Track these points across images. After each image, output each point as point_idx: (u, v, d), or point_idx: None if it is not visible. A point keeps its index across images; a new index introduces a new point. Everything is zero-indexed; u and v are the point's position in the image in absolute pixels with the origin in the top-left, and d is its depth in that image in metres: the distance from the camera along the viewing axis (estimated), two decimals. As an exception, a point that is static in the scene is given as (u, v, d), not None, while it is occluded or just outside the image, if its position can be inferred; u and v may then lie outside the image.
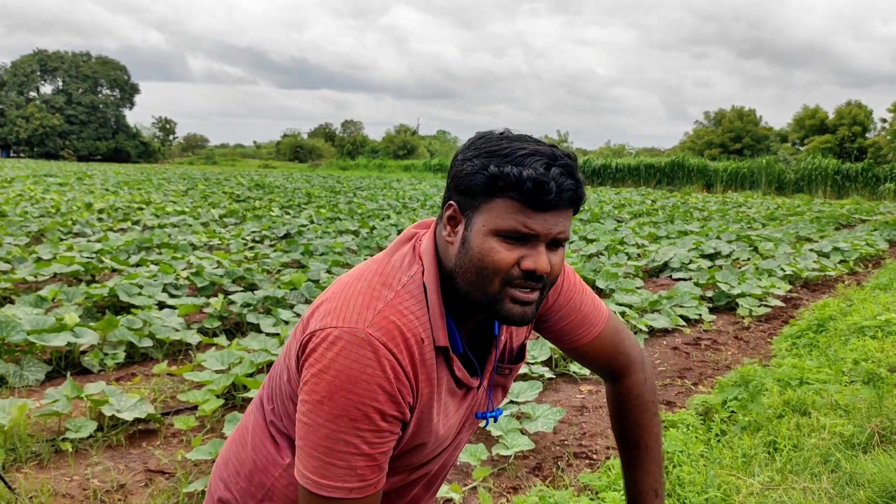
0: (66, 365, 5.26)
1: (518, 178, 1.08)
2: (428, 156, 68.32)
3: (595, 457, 4.12)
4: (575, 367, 5.60)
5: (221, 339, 5.86)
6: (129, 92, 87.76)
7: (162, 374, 5.06)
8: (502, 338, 1.35)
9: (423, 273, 1.20)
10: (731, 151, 49.93)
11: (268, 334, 6.08)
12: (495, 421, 1.42)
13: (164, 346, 5.76)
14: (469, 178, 1.13)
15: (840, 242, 13.52)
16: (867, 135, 43.96)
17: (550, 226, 1.12)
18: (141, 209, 17.19)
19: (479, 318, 1.27)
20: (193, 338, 5.78)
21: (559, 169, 1.10)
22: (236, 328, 6.65)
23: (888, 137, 32.03)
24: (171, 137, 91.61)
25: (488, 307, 1.17)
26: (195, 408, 4.45)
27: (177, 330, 5.84)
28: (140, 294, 6.95)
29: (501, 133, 1.17)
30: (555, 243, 1.16)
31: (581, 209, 1.20)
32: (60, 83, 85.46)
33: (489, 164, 1.11)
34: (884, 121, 42.33)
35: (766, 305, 8.25)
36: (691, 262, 10.94)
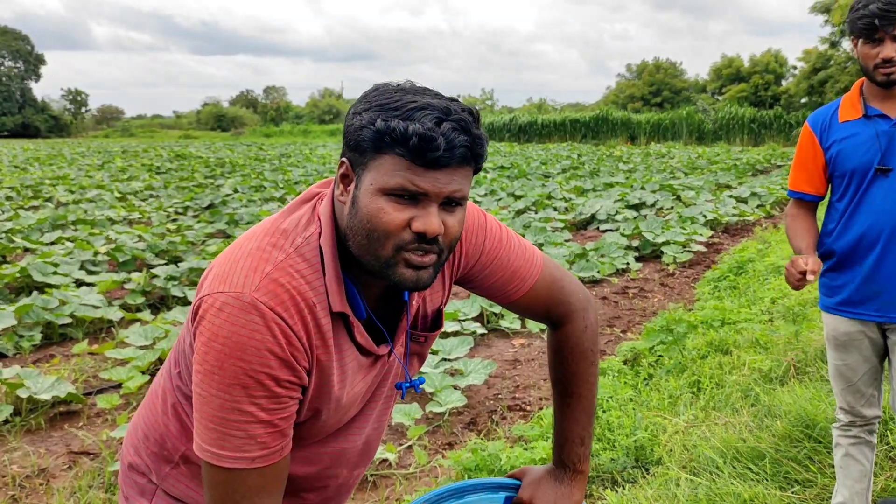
0: (-22, 351, 5.01)
1: (404, 134, 1.02)
2: (354, 119, 67.44)
3: (528, 408, 4.18)
4: (506, 322, 5.66)
5: (145, 315, 5.68)
6: (33, 63, 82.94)
7: (82, 353, 4.88)
8: (414, 303, 1.29)
9: (319, 235, 1.14)
10: (653, 104, 50.93)
11: (194, 307, 5.92)
12: (416, 391, 1.39)
13: (84, 324, 5.55)
14: (357, 132, 1.07)
15: (757, 188, 14.02)
16: (781, 82, 45.40)
17: (442, 185, 1.06)
18: (54, 185, 16.43)
19: (383, 283, 1.21)
20: (115, 314, 5.59)
21: (451, 124, 1.04)
22: (161, 302, 6.46)
23: (799, 84, 33.18)
24: (83, 110, 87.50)
25: (381, 272, 1.11)
26: (119, 386, 4.31)
27: (97, 307, 5.63)
28: (55, 273, 6.66)
29: (398, 85, 1.11)
30: (449, 202, 1.10)
31: (482, 168, 1.15)
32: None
33: (377, 119, 1.05)
34: (794, 68, 43.78)
35: (689, 252, 8.50)
36: (617, 213, 11.16)
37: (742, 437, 3.08)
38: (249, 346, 1.04)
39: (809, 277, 2.21)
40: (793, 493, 2.73)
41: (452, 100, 1.10)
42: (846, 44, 28.04)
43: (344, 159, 1.12)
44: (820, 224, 2.48)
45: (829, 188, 2.44)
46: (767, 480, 2.79)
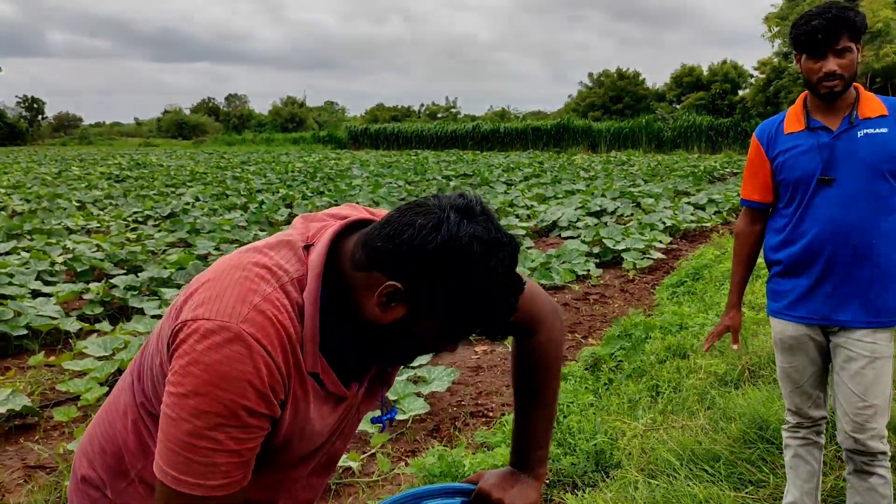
0: (-70, 364, 4.89)
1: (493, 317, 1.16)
2: (317, 127, 67.06)
3: (491, 414, 4.22)
4: (469, 329, 5.68)
5: (104, 325, 5.59)
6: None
7: (39, 365, 4.79)
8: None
9: (303, 290, 1.16)
10: (613, 112, 51.54)
11: (154, 317, 5.85)
12: (391, 423, 1.42)
13: (41, 336, 5.44)
14: (450, 299, 1.12)
15: (714, 195, 14.31)
16: (738, 91, 46.34)
17: None
18: (9, 195, 16.06)
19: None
20: (73, 325, 5.49)
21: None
22: (120, 313, 6.37)
23: (755, 94, 33.92)
24: (39, 117, 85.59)
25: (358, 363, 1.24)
26: (77, 398, 4.24)
27: (53, 318, 5.53)
28: (11, 283, 6.52)
29: (501, 252, 1.13)
30: None
31: None
32: None
33: (483, 305, 1.13)
34: (750, 76, 44.72)
35: (648, 258, 8.64)
36: (578, 220, 11.29)
37: (698, 439, 3.16)
38: (231, 376, 1.05)
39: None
40: (746, 493, 2.81)
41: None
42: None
43: (400, 287, 1.11)
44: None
45: (776, 196, 2.52)
46: (722, 481, 2.87)
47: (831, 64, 2.21)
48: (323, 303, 1.16)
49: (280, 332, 1.09)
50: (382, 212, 1.39)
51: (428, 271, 1.09)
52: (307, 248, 1.20)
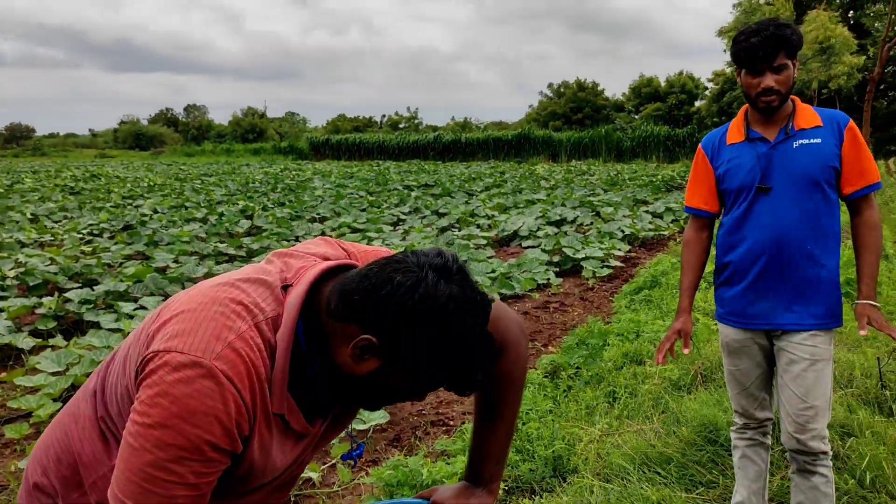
0: None
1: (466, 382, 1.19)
2: (278, 138, 66.59)
3: (451, 423, 4.24)
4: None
5: (58, 340, 5.49)
6: (-65, 79, 79.01)
7: (-11, 382, 4.68)
8: None
9: (277, 330, 1.17)
10: (573, 122, 52.20)
11: (110, 330, 5.76)
12: (360, 458, 1.44)
13: (-8, 352, 5.32)
14: (424, 356, 1.15)
15: (672, 203, 14.58)
16: (695, 102, 47.29)
17: None
18: (-42, 208, 15.64)
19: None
20: (25, 341, 5.38)
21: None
22: (75, 327, 6.25)
23: (709, 105, 34.67)
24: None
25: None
26: (29, 414, 4.16)
27: (2, 334, 5.41)
28: (-40, 299, 6.36)
29: (477, 317, 1.17)
30: None
31: None
32: None
33: (455, 364, 1.16)
34: (705, 88, 45.68)
35: (608, 266, 8.76)
36: (539, 229, 11.40)
37: (651, 443, 3.22)
38: (199, 411, 1.06)
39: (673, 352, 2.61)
40: (697, 494, 2.88)
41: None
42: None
43: (374, 340, 1.13)
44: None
45: (721, 204, 2.61)
46: (674, 483, 2.94)
47: (769, 80, 2.30)
48: (301, 345, 1.18)
49: (251, 370, 1.11)
50: (356, 245, 1.42)
51: (403, 329, 1.12)
52: (285, 288, 1.22)
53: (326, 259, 1.32)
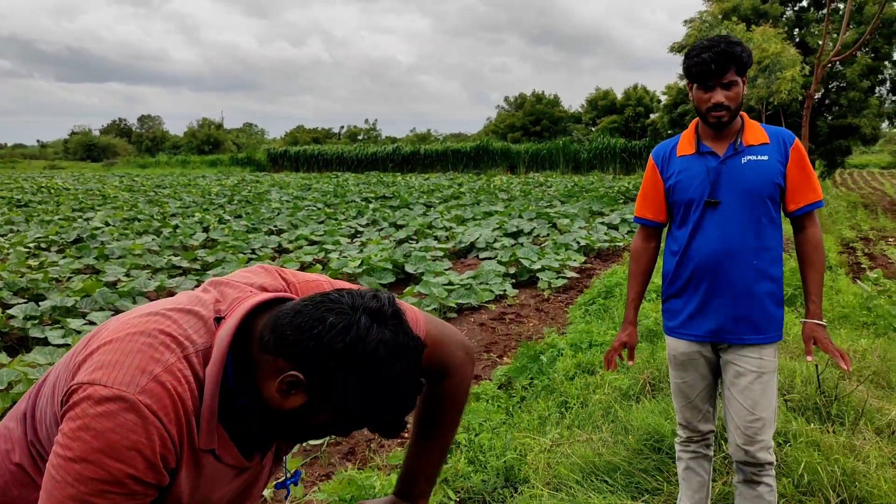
0: None
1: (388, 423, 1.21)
2: (235, 150, 65.87)
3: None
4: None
5: (1, 357, 5.35)
6: None
7: (-71, 402, 4.54)
8: None
9: (207, 362, 1.16)
10: (532, 134, 52.70)
11: (57, 346, 5.64)
12: (295, 485, 1.45)
13: (-68, 371, 5.16)
14: (351, 398, 1.16)
15: (627, 214, 14.82)
16: (650, 114, 48.14)
17: None
18: None
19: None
20: (-33, 359, 5.23)
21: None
22: (20, 344, 6.10)
23: (662, 117, 35.35)
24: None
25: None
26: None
27: (-54, 352, 5.26)
28: None
29: (404, 360, 1.17)
30: None
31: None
32: None
33: (382, 408, 1.17)
34: (659, 101, 46.55)
35: (563, 277, 8.86)
36: (496, 241, 11.48)
37: (599, 452, 3.28)
38: (121, 445, 1.05)
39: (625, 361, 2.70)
40: (643, 501, 2.94)
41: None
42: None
43: (301, 377, 1.14)
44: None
45: (669, 215, 2.65)
46: (620, 491, 2.99)
47: (719, 95, 2.35)
48: (229, 380, 1.17)
49: (177, 404, 1.10)
50: (296, 274, 1.41)
51: (331, 369, 1.13)
52: (218, 320, 1.21)
53: (264, 289, 1.31)
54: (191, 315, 1.20)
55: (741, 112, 2.47)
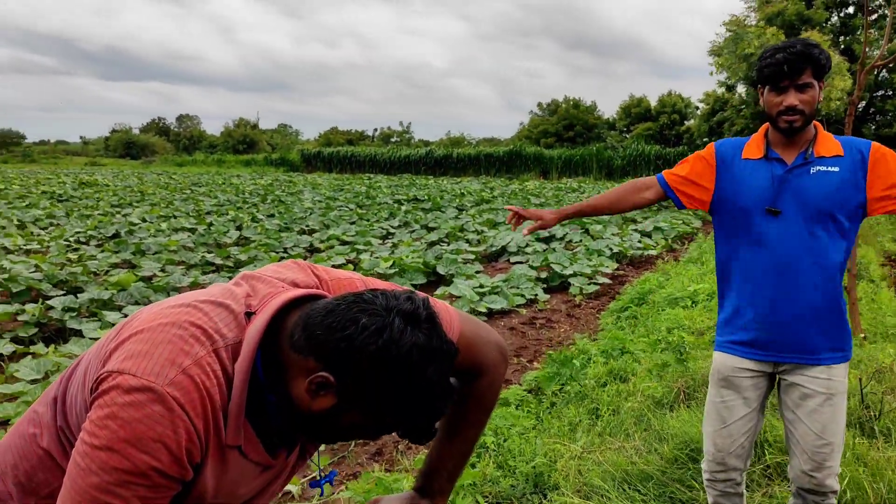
0: None
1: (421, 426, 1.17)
2: (269, 150, 66.56)
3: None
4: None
5: (39, 347, 5.44)
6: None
7: (-33, 389, 4.63)
8: None
9: (236, 357, 1.14)
10: (565, 139, 52.41)
11: (93, 339, 5.71)
12: (331, 485, 1.43)
13: (-29, 359, 5.27)
14: (381, 401, 1.12)
15: (661, 222, 14.65)
16: (685, 122, 47.63)
17: None
18: (-56, 213, 15.54)
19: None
20: (6, 348, 5.33)
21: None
22: (57, 335, 6.20)
23: (699, 125, 34.92)
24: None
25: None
26: (6, 422, 4.11)
27: (-17, 341, 5.36)
28: (-59, 305, 6.30)
29: (435, 364, 1.13)
30: None
31: None
32: None
33: (412, 413, 1.14)
34: (696, 107, 46.02)
35: (595, 283, 8.77)
36: (528, 245, 11.41)
37: (632, 460, 3.21)
38: (147, 436, 1.04)
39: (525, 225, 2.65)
40: (677, 512, 2.87)
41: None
42: (741, 88, 29.70)
43: (331, 378, 1.11)
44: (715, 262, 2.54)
45: (717, 222, 2.48)
46: (653, 501, 2.92)
47: (792, 98, 2.22)
48: (258, 375, 1.15)
49: (205, 398, 1.08)
50: (329, 271, 1.38)
51: (362, 372, 1.10)
52: (248, 314, 1.19)
53: (296, 285, 1.29)
54: (222, 308, 1.18)
55: (815, 122, 2.33)
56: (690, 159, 2.54)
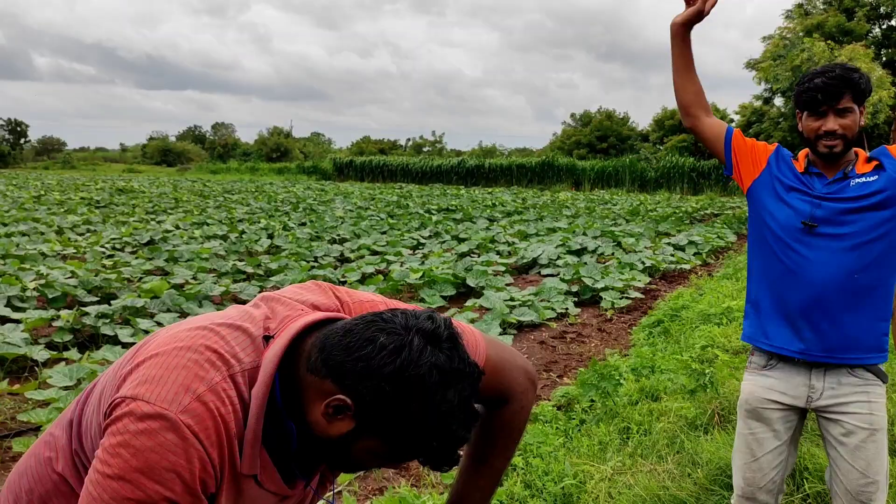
0: None
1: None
2: (302, 158, 67.17)
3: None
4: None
5: (72, 354, 5.50)
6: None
7: (2, 393, 4.69)
8: None
9: (253, 383, 1.11)
10: (598, 151, 52.10)
11: (125, 345, 5.77)
12: None
13: (6, 363, 5.34)
14: (400, 425, 1.08)
15: (694, 236, 14.44)
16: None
17: None
18: (-14, 217, 15.90)
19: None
20: (40, 353, 5.40)
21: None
22: (91, 341, 6.27)
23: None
24: (22, 141, 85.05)
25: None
26: (38, 428, 4.15)
27: (19, 346, 5.43)
28: (-21, 309, 6.42)
29: (457, 386, 1.09)
30: None
31: None
32: None
33: (433, 437, 1.09)
34: (732, 121, 45.48)
35: (627, 297, 8.65)
36: (559, 258, 11.31)
37: (664, 484, 3.13)
38: (159, 466, 1.01)
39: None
40: (711, 541, 2.78)
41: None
42: (778, 101, 29.25)
43: (349, 401, 1.08)
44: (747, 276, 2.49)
45: (751, 235, 2.44)
46: (687, 529, 2.84)
47: (831, 123, 2.18)
48: (277, 401, 1.12)
49: (220, 427, 1.05)
50: (351, 293, 1.35)
51: (380, 394, 1.06)
52: (267, 338, 1.16)
53: (316, 308, 1.26)
54: (239, 332, 1.15)
55: (856, 148, 2.28)
56: (755, 144, 2.47)
